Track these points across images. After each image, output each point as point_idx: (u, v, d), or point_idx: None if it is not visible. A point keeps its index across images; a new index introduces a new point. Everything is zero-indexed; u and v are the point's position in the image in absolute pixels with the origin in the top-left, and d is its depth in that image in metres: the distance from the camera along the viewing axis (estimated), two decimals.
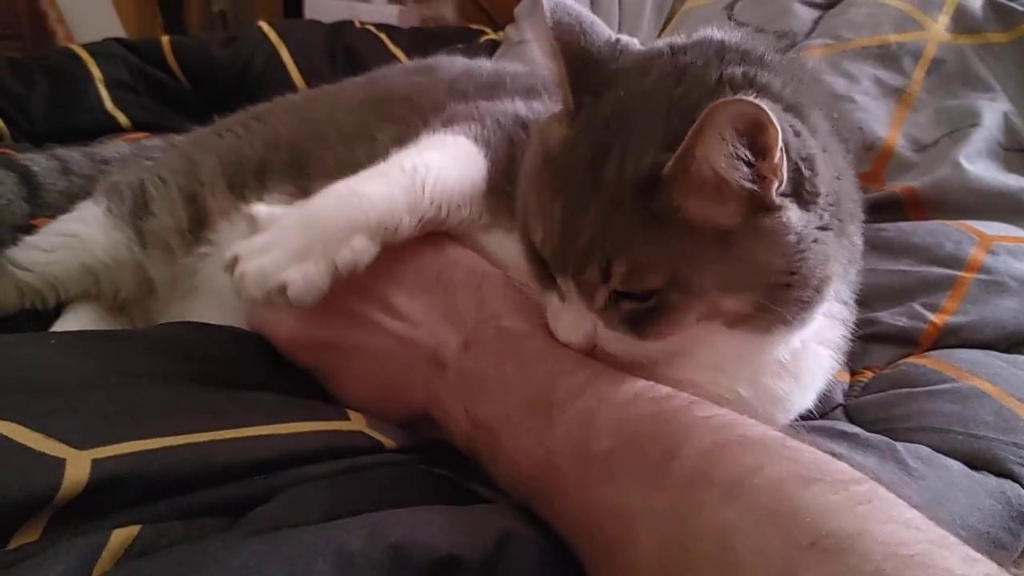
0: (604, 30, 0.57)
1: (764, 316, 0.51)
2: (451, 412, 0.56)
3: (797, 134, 0.50)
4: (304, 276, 0.54)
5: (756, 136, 0.46)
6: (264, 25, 1.35)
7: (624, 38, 0.57)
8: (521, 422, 0.51)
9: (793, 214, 0.49)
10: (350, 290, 0.58)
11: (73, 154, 0.97)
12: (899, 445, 0.62)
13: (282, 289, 0.54)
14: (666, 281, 0.49)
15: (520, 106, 0.70)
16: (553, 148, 0.54)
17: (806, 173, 0.50)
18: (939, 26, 1.03)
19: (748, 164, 0.47)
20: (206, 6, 2.98)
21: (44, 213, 0.91)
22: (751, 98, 0.44)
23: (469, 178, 0.61)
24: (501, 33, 1.34)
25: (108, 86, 1.24)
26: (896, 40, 1.01)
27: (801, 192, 0.50)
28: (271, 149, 0.82)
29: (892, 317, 0.77)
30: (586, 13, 0.56)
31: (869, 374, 0.75)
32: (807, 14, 1.12)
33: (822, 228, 0.52)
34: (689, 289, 0.50)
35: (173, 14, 2.84)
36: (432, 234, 0.61)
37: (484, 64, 0.93)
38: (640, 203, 0.49)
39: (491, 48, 1.31)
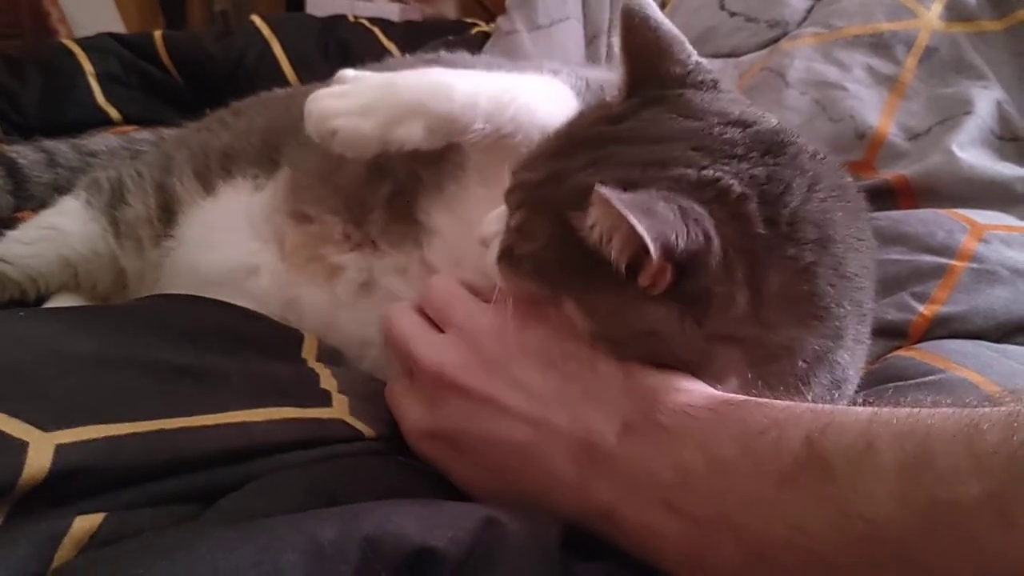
0: (684, 50, 0.54)
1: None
2: (635, 519, 0.45)
3: (706, 237, 0.45)
4: (354, 130, 0.57)
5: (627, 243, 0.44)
6: (256, 19, 1.34)
7: (704, 66, 0.55)
8: (755, 508, 0.40)
9: (663, 314, 0.46)
10: (471, 368, 0.52)
11: (60, 146, 0.97)
12: None
13: (333, 134, 0.57)
14: (533, 256, 0.50)
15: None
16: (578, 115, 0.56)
17: (690, 271, 0.45)
18: (932, 14, 1.02)
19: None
20: (208, 5, 2.99)
21: (29, 206, 0.92)
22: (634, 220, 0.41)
23: (557, 118, 0.59)
24: (493, 25, 1.33)
25: (100, 80, 1.24)
26: (888, 28, 1.00)
27: (683, 292, 0.46)
28: (241, 138, 0.83)
29: (882, 310, 0.76)
30: (665, 29, 0.54)
31: None
32: (799, 3, 1.11)
33: (723, 336, 0.47)
34: (544, 277, 0.50)
35: (175, 13, 2.85)
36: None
37: (486, 60, 0.93)
38: (568, 202, 0.48)
39: (483, 40, 1.31)
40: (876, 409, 0.41)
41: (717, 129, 0.50)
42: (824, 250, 0.49)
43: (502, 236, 0.53)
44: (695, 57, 0.55)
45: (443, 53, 0.93)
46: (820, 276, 0.49)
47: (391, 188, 0.71)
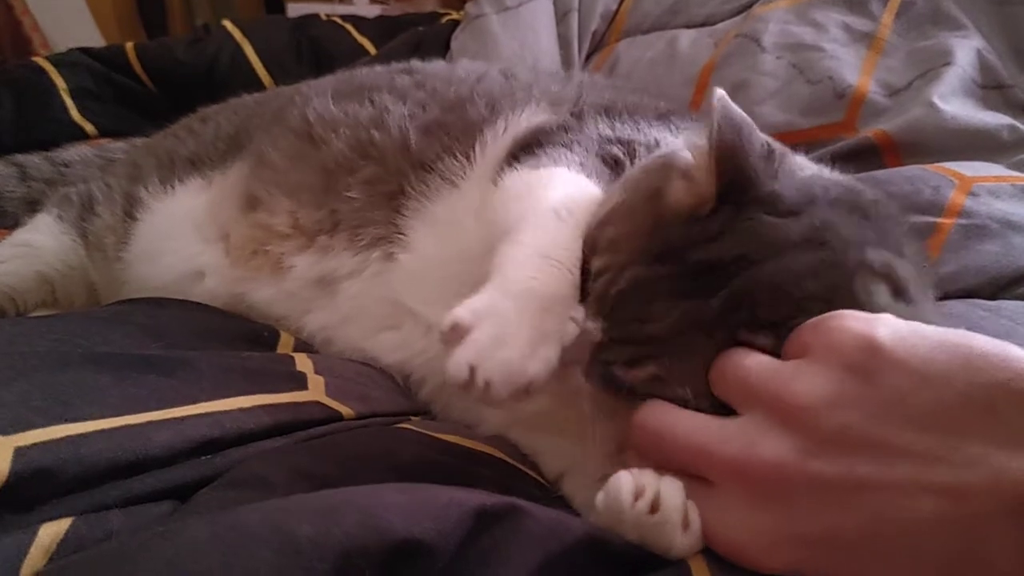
0: (759, 138, 0.52)
1: None
2: None
3: None
4: (546, 364, 0.49)
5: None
6: (228, 24, 1.33)
7: (778, 148, 0.54)
8: None
9: None
10: (820, 447, 0.41)
11: (33, 159, 0.97)
12: None
13: (530, 386, 0.48)
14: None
15: (604, 128, 0.69)
16: (667, 213, 0.51)
17: None
18: None
19: None
20: (189, 19, 2.99)
21: (4, 224, 0.91)
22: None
23: (593, 203, 0.58)
24: (462, 12, 1.32)
25: (73, 95, 1.23)
26: None
27: None
28: (207, 145, 0.83)
29: None
30: (747, 122, 0.51)
31: None
32: None
33: None
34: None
35: (157, 30, 2.85)
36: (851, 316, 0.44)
37: (466, 66, 0.91)
38: (721, 332, 0.47)
39: (452, 27, 1.30)
40: None
41: (818, 220, 0.49)
42: None
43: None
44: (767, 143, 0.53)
45: (415, 63, 0.90)
46: None
47: (373, 172, 0.70)
